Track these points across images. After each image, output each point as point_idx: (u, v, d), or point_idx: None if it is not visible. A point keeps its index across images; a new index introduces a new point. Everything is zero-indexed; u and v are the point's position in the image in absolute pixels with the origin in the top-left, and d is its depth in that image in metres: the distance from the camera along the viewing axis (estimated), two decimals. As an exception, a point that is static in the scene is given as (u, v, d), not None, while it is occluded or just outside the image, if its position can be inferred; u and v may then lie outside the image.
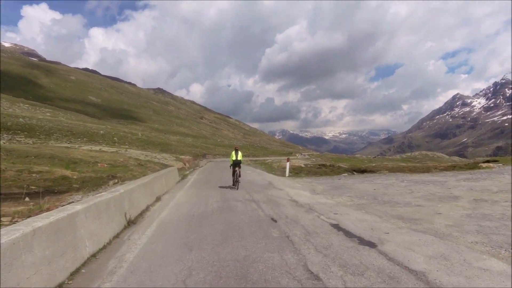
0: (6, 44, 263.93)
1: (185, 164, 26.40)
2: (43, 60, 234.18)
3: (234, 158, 13.03)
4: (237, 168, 12.71)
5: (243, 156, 13.89)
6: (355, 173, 20.87)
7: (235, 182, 12.66)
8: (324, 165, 25.43)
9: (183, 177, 18.01)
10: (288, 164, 19.73)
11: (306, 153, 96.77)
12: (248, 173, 20.95)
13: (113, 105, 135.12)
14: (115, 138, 39.57)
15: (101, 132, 41.16)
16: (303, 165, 25.61)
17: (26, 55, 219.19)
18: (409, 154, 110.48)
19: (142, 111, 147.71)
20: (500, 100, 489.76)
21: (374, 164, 30.55)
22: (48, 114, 57.69)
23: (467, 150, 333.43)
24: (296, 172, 21.15)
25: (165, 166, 21.88)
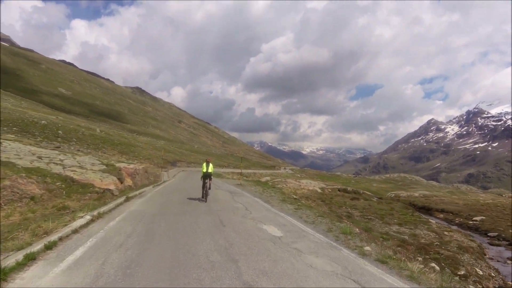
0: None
1: (121, 182, 14.24)
2: (15, 46, 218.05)
3: (204, 170, 13.18)
4: (207, 180, 13.03)
5: (214, 168, 14.03)
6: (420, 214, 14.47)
7: (204, 195, 12.89)
8: (346, 191, 19.15)
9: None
10: None
11: (288, 168, 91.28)
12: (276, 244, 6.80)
13: (84, 100, 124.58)
14: (59, 132, 31.67)
15: (43, 122, 33.13)
16: (319, 190, 18.95)
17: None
18: (387, 175, 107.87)
19: (115, 108, 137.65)
20: (473, 129, 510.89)
21: (417, 194, 23.90)
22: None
23: (440, 175, 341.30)
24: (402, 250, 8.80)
25: (70, 183, 12.22)
